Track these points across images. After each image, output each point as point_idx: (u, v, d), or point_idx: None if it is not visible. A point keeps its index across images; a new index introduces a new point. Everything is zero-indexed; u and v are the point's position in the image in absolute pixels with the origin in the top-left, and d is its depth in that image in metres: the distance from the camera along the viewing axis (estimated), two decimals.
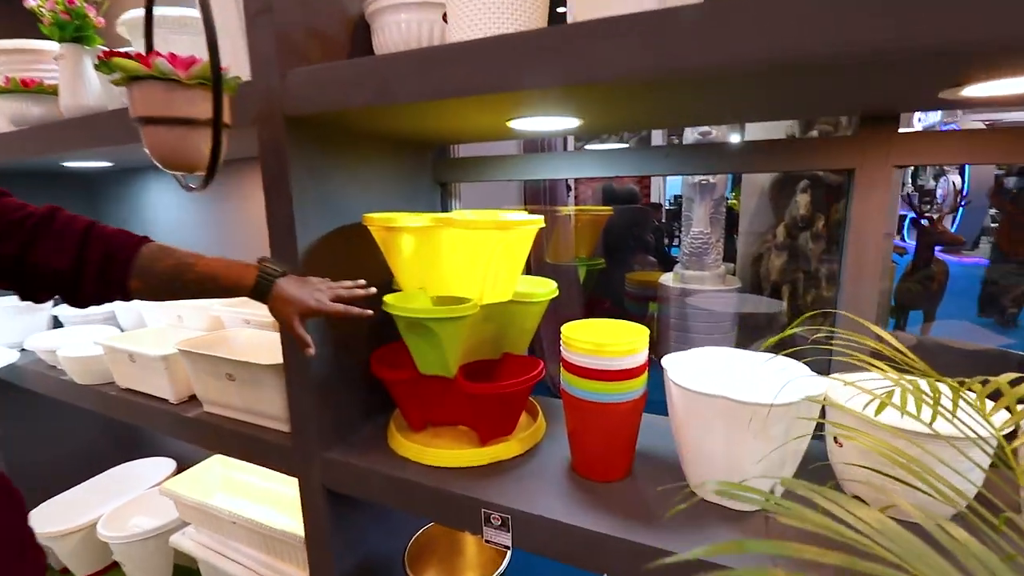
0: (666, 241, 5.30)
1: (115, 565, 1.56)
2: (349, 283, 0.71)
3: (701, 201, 3.14)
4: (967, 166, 5.94)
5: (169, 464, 1.76)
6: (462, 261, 0.74)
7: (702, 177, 3.08)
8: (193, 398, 1.05)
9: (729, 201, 4.45)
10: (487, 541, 0.70)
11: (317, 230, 0.77)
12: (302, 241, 0.75)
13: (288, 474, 0.87)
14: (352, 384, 0.87)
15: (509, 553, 0.91)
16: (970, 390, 0.51)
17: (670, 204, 6.66)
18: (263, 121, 0.73)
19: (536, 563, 0.78)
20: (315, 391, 0.80)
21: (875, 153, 0.73)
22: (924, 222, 2.94)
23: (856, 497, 0.68)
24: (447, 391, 0.79)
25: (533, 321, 0.84)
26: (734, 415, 0.59)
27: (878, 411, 0.60)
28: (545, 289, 0.81)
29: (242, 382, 0.90)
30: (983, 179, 5.88)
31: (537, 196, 2.59)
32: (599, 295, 3.19)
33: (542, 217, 0.76)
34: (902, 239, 3.49)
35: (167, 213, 1.57)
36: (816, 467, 0.70)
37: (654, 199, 6.57)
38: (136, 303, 1.36)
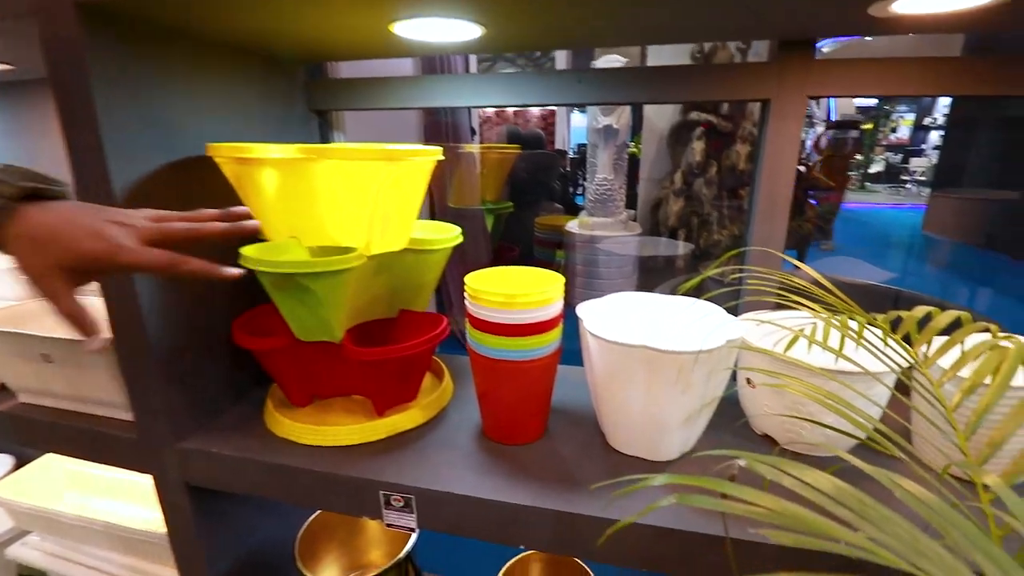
0: (571, 189, 5.34)
1: None
2: (198, 213, 0.51)
3: (605, 147, 3.13)
4: (832, 116, 6.55)
5: (5, 461, 1.46)
6: (342, 202, 0.60)
7: (606, 122, 3.06)
8: (4, 387, 0.83)
9: (630, 148, 4.53)
10: (389, 526, 0.61)
11: (142, 165, 0.59)
12: (119, 178, 0.57)
13: (138, 471, 0.71)
14: (212, 358, 0.72)
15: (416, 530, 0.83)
16: (872, 325, 0.49)
17: (574, 153, 6.68)
18: (46, 11, 0.52)
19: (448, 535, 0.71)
20: (160, 370, 0.64)
21: (791, 82, 0.69)
22: (801, 168, 3.18)
23: (766, 435, 0.68)
24: (333, 358, 0.67)
25: (433, 272, 0.73)
26: (656, 365, 0.54)
27: (789, 346, 0.57)
28: (446, 235, 0.70)
29: (63, 363, 0.71)
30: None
31: (439, 134, 2.39)
32: (508, 242, 3.12)
33: (440, 149, 0.64)
34: None
35: None
36: (726, 406, 0.68)
37: (559, 146, 6.57)
38: None
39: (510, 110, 6.40)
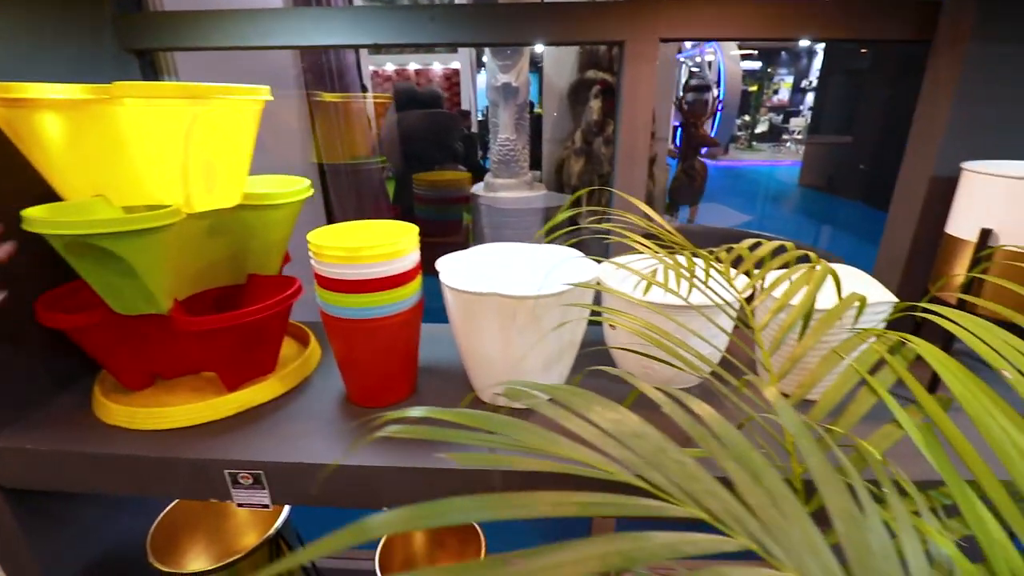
0: (481, 153, 5.24)
1: None
2: None
3: (505, 106, 3.08)
4: (723, 80, 6.93)
5: None
6: (148, 152, 0.52)
7: (504, 79, 3.00)
8: None
9: (536, 108, 4.50)
10: (240, 505, 0.57)
11: None
12: None
13: None
14: (24, 344, 0.62)
15: (286, 507, 0.79)
16: (719, 260, 0.51)
17: (483, 115, 6.55)
18: None
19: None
20: None
21: (643, 23, 0.69)
22: (690, 127, 3.33)
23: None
24: (165, 333, 0.60)
25: (279, 231, 0.66)
26: (506, 311, 0.53)
27: (646, 291, 0.59)
28: (291, 188, 0.64)
29: None
30: (734, 91, 6.95)
31: (321, 84, 2.20)
32: (400, 201, 2.99)
33: (267, 89, 0.57)
34: (676, 146, 3.97)
35: None
36: (594, 352, 0.69)
37: (465, 107, 6.39)
38: None
39: (411, 69, 6.10)
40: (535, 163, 3.63)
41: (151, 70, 0.78)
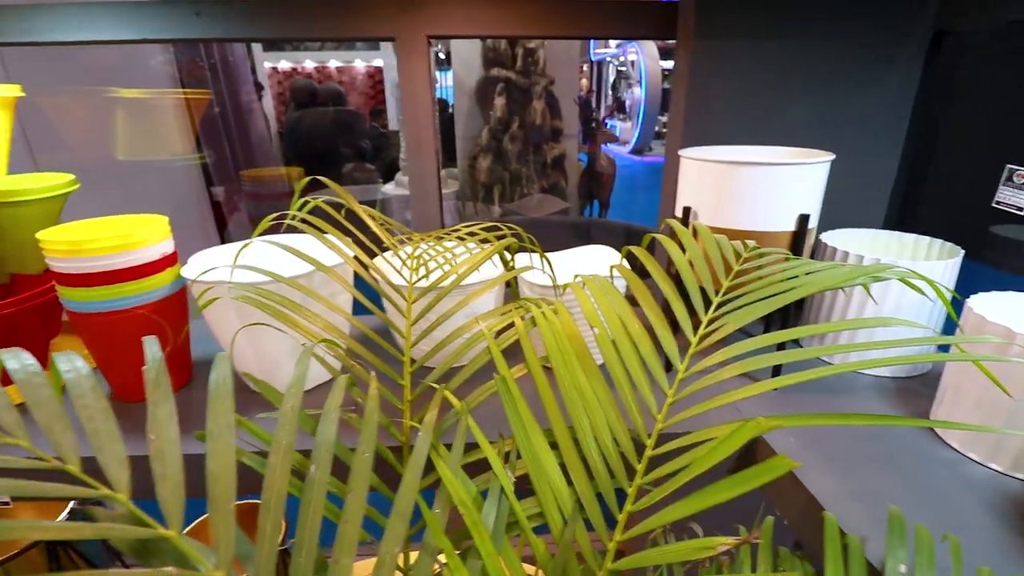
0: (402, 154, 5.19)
1: None
2: None
3: None
4: (644, 79, 7.18)
5: None
6: None
7: None
8: None
9: (451, 108, 4.51)
10: None
11: None
12: None
13: None
14: None
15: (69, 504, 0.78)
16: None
17: None
18: None
19: None
20: None
21: (412, 22, 0.72)
22: (592, 124, 3.45)
23: None
24: None
25: (38, 229, 0.65)
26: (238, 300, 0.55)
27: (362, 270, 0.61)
28: (41, 185, 0.63)
29: None
30: (655, 89, 7.22)
31: (203, 81, 2.13)
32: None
33: (14, 87, 0.57)
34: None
35: None
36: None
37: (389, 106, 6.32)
38: None
39: (332, 66, 5.97)
40: (453, 160, 3.65)
41: None
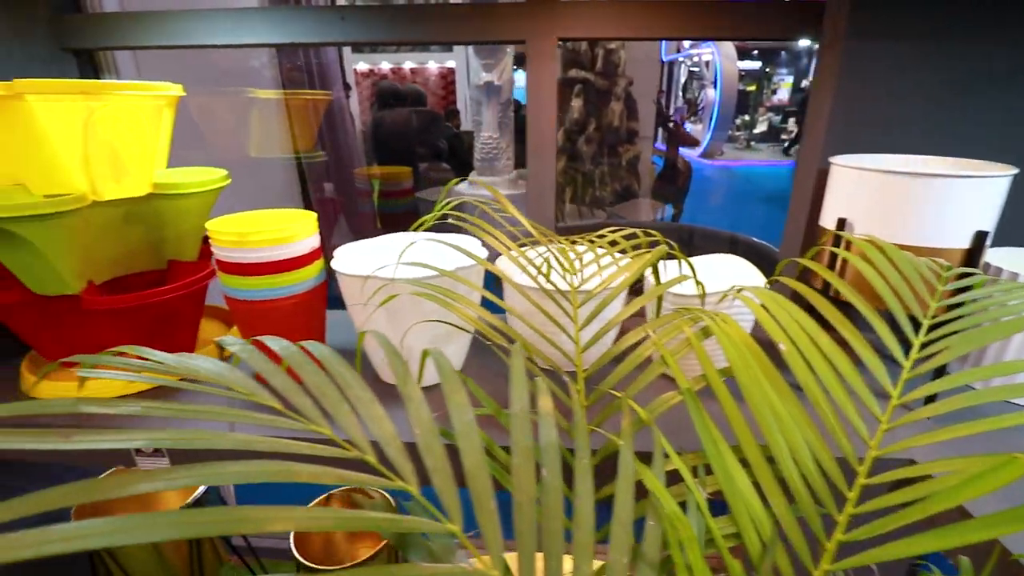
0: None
1: None
2: None
3: (488, 104, 3.12)
4: (719, 79, 6.93)
5: None
6: (58, 144, 0.56)
7: (487, 78, 3.04)
8: None
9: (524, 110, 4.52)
10: None
11: None
12: None
13: None
14: None
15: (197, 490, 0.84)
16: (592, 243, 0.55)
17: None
18: None
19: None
20: None
21: (543, 25, 0.72)
22: (670, 125, 3.36)
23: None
24: (83, 313, 0.64)
25: (193, 220, 0.70)
26: (385, 294, 0.57)
27: (542, 275, 0.62)
28: (202, 179, 0.68)
29: None
30: (731, 90, 6.95)
31: (301, 83, 2.25)
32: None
33: (176, 87, 0.61)
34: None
35: None
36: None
37: (460, 105, 6.43)
38: None
39: (406, 68, 6.16)
40: (523, 161, 3.67)
41: (90, 68, 0.83)
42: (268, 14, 0.73)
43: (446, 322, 0.57)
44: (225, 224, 0.60)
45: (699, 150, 7.27)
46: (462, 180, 0.72)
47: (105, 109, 0.56)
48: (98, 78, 0.84)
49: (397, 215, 2.77)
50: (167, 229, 0.69)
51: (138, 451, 0.60)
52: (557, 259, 0.49)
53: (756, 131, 9.40)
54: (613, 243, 0.51)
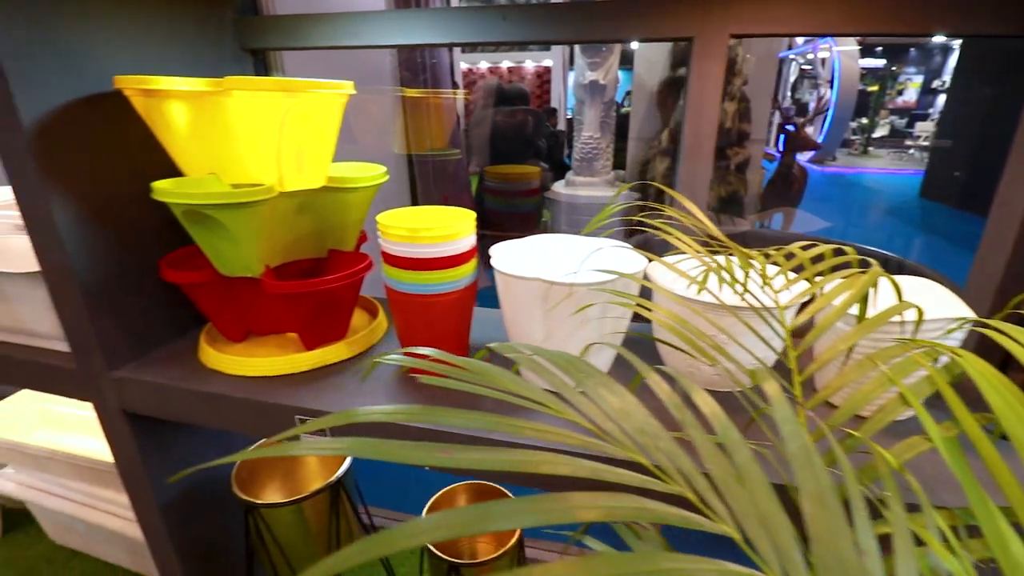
0: (568, 151, 5.25)
1: None
2: None
3: (591, 104, 3.07)
4: (836, 78, 6.38)
5: None
6: (252, 137, 0.61)
7: (592, 77, 2.99)
8: None
9: (624, 108, 4.44)
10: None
11: (52, 98, 0.60)
12: (28, 111, 0.57)
13: (80, 399, 0.75)
14: (147, 294, 0.74)
15: (348, 458, 0.88)
16: (768, 256, 0.51)
17: (572, 113, 6.53)
18: None
19: (379, 463, 0.75)
20: (90, 303, 0.66)
21: (714, 19, 0.68)
22: (790, 128, 3.12)
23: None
24: (260, 294, 0.69)
25: (357, 212, 0.74)
26: (549, 297, 0.56)
27: (701, 284, 0.59)
28: (368, 174, 0.71)
29: (0, 297, 0.73)
30: (850, 90, 6.37)
31: (416, 81, 2.34)
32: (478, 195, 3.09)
33: (351, 83, 0.64)
34: (777, 149, 3.74)
35: None
36: (641, 348, 0.70)
37: (554, 104, 6.43)
38: None
39: (503, 67, 6.24)
40: (620, 162, 3.58)
41: (263, 67, 0.89)
42: (434, 15, 0.75)
43: (622, 332, 0.55)
44: (395, 218, 0.62)
45: (808, 154, 6.74)
46: (630, 187, 0.68)
47: (300, 105, 0.59)
48: (268, 75, 0.91)
49: (523, 214, 2.82)
50: (333, 220, 0.73)
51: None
52: (754, 271, 0.46)
53: (875, 135, 8.55)
54: (818, 258, 0.46)
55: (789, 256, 0.50)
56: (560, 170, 3.74)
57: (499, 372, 0.28)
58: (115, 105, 0.65)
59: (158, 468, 0.80)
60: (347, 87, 0.64)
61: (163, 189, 0.59)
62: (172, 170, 0.65)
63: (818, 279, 0.45)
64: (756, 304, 0.44)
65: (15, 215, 0.90)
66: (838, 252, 0.49)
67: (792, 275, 0.47)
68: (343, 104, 0.66)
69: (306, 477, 0.95)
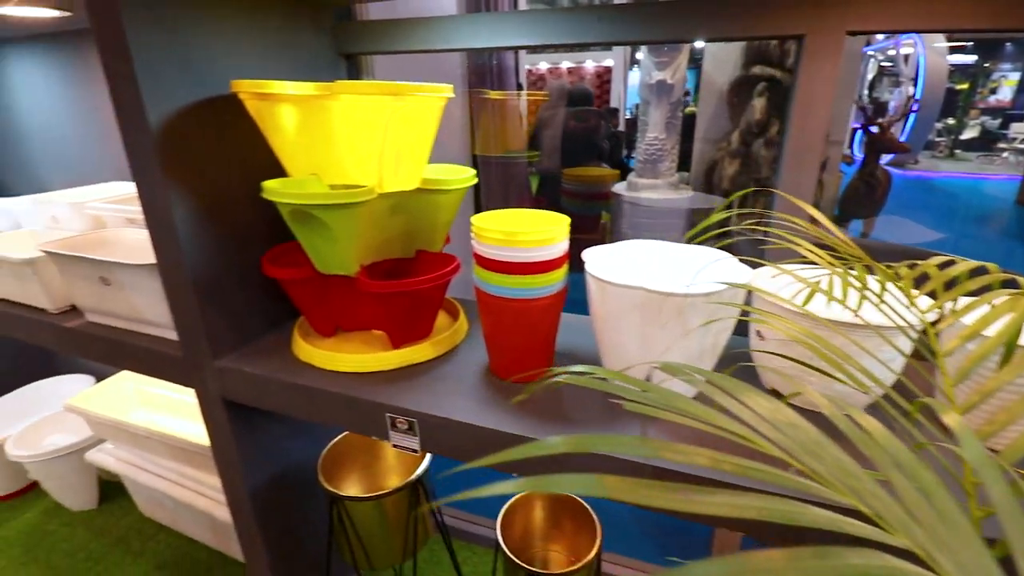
0: (625, 152, 5.16)
1: (36, 484, 1.50)
2: None
3: (658, 104, 3.00)
4: (921, 76, 5.93)
5: (86, 380, 1.65)
6: (354, 139, 0.62)
7: (659, 76, 2.92)
8: (75, 308, 0.93)
9: (688, 108, 4.30)
10: (394, 445, 0.66)
11: (175, 99, 0.63)
12: (154, 111, 0.61)
13: (184, 385, 0.80)
14: (248, 288, 0.78)
15: (428, 456, 0.89)
16: (898, 274, 0.47)
17: (632, 113, 6.41)
18: None
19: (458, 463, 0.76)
20: (199, 294, 0.70)
21: (830, 15, 0.64)
22: (873, 129, 2.92)
23: (773, 390, 0.66)
24: (352, 292, 0.71)
25: (447, 214, 0.74)
26: (650, 306, 0.54)
27: (806, 301, 0.56)
28: (459, 176, 0.72)
29: (118, 286, 0.79)
30: (936, 89, 5.91)
31: (483, 82, 2.36)
32: (542, 194, 3.10)
33: (450, 87, 0.65)
34: (855, 151, 3.52)
35: (32, 98, 1.33)
36: (741, 364, 0.67)
37: (614, 104, 6.33)
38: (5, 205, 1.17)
39: (563, 67, 6.20)
40: (684, 164, 3.47)
41: (355, 71, 0.92)
42: (525, 17, 0.74)
43: (723, 345, 0.53)
44: (491, 221, 0.62)
45: (888, 157, 6.28)
46: (737, 196, 0.65)
47: (403, 109, 0.60)
48: (360, 79, 0.94)
49: (593, 217, 2.80)
50: (424, 221, 0.74)
51: (394, 425, 0.65)
52: (890, 287, 0.42)
53: (962, 137, 7.88)
54: (951, 282, 0.42)
55: (912, 267, 0.46)
56: (620, 170, 3.67)
57: (686, 400, 0.26)
58: (228, 107, 0.68)
59: (249, 454, 0.84)
60: (447, 90, 0.65)
61: (273, 189, 0.62)
62: (275, 171, 0.68)
63: (966, 300, 0.41)
64: (900, 323, 0.41)
65: (127, 209, 0.97)
66: (979, 271, 0.44)
67: (930, 294, 0.43)
68: (442, 107, 0.66)
69: (384, 472, 0.97)
